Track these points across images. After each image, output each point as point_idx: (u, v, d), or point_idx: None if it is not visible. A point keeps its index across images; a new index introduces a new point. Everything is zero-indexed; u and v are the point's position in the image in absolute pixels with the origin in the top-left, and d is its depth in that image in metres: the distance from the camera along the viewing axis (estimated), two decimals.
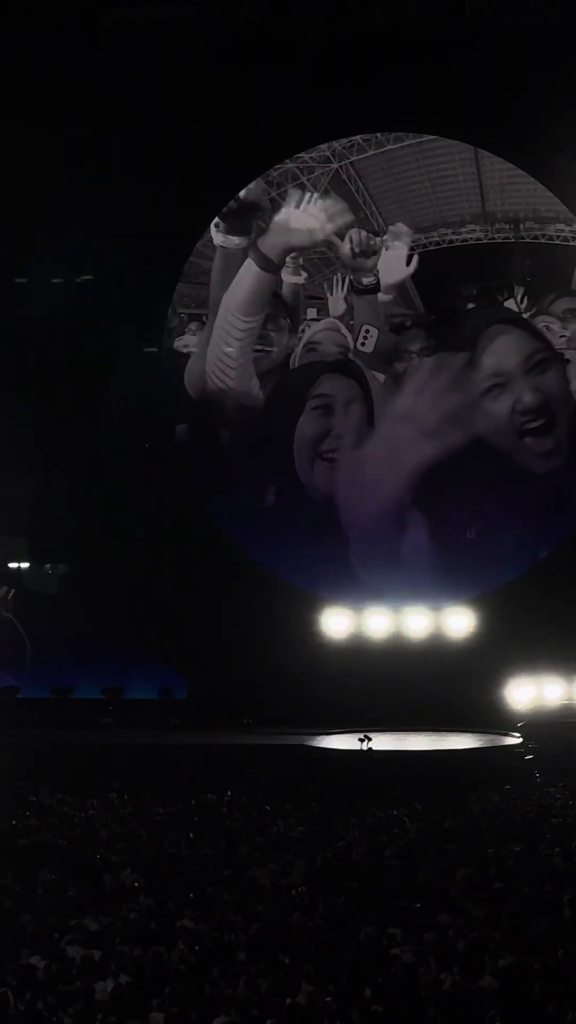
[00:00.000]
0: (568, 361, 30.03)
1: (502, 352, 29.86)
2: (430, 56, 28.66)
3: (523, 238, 30.81)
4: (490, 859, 17.42)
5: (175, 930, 14.39)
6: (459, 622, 30.15)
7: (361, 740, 26.53)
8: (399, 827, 19.81)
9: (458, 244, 30.91)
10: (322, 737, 28.34)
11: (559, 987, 12.23)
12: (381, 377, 30.56)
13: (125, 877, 16.63)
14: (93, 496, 30.71)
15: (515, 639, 28.95)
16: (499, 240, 30.90)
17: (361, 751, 26.36)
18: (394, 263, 30.63)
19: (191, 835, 19.06)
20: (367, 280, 30.53)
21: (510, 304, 30.45)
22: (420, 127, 30.55)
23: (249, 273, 30.18)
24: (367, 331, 30.43)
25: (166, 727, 29.59)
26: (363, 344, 30.48)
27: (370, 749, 26.38)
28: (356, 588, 30.46)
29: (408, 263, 30.60)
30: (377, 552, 30.34)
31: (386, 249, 30.61)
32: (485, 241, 30.89)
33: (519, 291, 30.42)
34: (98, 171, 29.20)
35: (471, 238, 30.97)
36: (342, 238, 30.39)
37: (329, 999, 12.14)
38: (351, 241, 30.42)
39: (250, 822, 20.15)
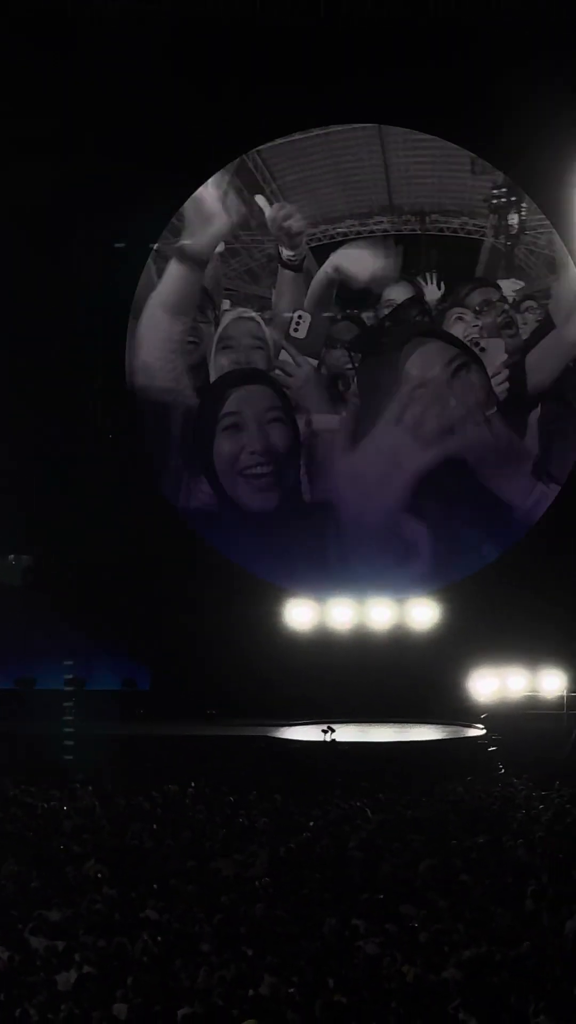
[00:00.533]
0: (484, 350, 30.06)
1: (423, 363, 29.89)
2: (394, 50, 28.59)
3: (428, 231, 30.82)
4: (453, 851, 17.47)
5: (139, 921, 14.40)
6: (423, 613, 30.15)
7: (324, 731, 26.55)
8: (362, 818, 19.85)
9: (366, 235, 30.82)
10: (286, 728, 28.33)
11: (522, 979, 12.29)
12: (314, 362, 30.34)
13: (89, 868, 16.63)
14: (58, 487, 30.54)
15: (479, 630, 28.99)
16: (406, 232, 30.88)
17: (325, 742, 26.38)
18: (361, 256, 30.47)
19: (155, 826, 19.06)
20: (287, 255, 30.26)
21: (428, 291, 30.39)
22: (381, 119, 30.42)
23: (177, 273, 29.84)
24: (299, 316, 30.16)
25: (130, 718, 29.52)
26: (296, 330, 30.16)
27: (333, 740, 26.41)
28: (320, 579, 30.44)
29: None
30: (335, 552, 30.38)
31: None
32: (392, 233, 30.85)
33: (435, 282, 30.38)
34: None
35: (378, 230, 30.92)
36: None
37: (292, 990, 12.17)
38: (274, 210, 30.03)
39: (214, 813, 20.16)
